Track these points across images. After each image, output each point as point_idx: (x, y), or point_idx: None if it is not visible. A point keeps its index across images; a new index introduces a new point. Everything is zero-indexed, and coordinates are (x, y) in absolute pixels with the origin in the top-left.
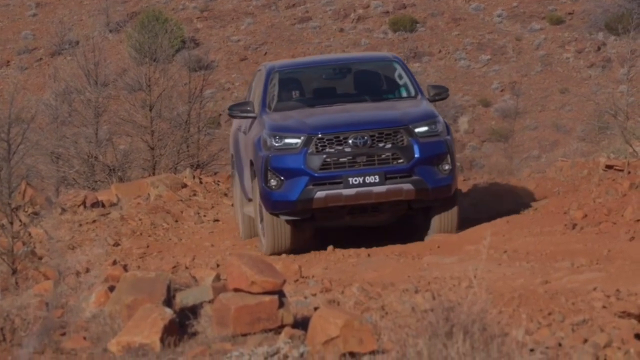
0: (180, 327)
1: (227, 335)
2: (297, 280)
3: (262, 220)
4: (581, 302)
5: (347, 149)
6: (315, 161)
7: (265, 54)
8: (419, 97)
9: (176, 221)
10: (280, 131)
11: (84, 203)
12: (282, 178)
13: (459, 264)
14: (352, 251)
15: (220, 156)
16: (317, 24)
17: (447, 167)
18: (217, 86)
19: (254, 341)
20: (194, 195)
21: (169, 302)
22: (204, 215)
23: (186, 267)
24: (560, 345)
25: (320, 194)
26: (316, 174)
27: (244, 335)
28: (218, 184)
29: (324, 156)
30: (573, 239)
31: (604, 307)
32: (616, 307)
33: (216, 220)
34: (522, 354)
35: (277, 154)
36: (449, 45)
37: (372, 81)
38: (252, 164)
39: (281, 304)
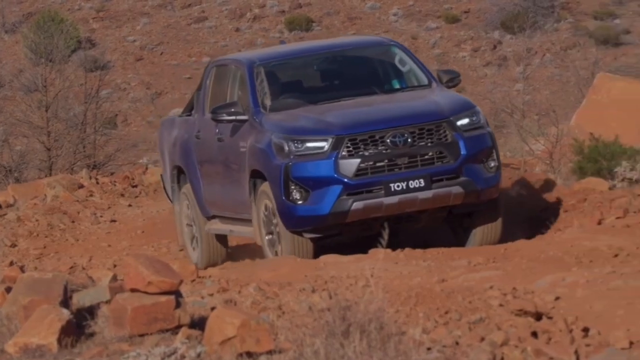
0: (77, 327)
1: (125, 336)
2: (194, 280)
3: (271, 242)
4: (478, 300)
5: (386, 150)
6: (349, 166)
7: (162, 54)
8: (434, 84)
9: (73, 222)
10: (300, 134)
11: None
12: (307, 189)
13: (356, 263)
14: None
15: (117, 156)
16: (213, 24)
17: (493, 164)
18: (113, 86)
19: (151, 341)
20: (91, 195)
21: (66, 302)
22: (101, 216)
23: (83, 268)
24: (457, 343)
25: (357, 205)
26: (352, 182)
27: (141, 335)
28: (115, 185)
29: (359, 160)
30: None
31: (500, 305)
32: (513, 305)
33: (113, 221)
34: (419, 352)
35: (300, 161)
36: None
37: (372, 70)
38: (253, 175)
39: (178, 304)
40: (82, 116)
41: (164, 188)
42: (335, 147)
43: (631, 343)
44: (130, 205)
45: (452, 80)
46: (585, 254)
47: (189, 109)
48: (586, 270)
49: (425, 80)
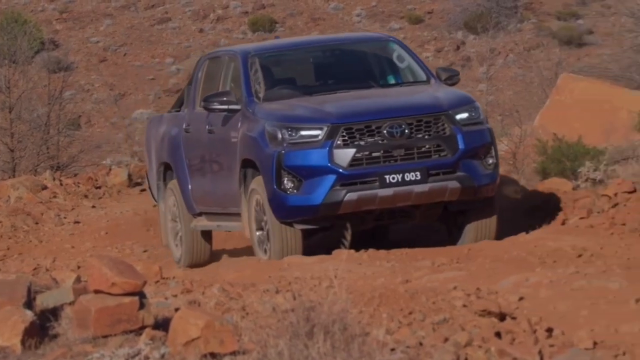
0: (41, 329)
1: (88, 337)
2: (157, 281)
3: (260, 235)
4: (442, 301)
5: (382, 141)
6: (344, 156)
7: (125, 55)
8: (432, 81)
9: (36, 223)
10: (294, 122)
11: None
12: (300, 178)
13: (319, 263)
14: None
15: (80, 158)
16: (176, 25)
17: (491, 161)
18: (76, 87)
19: (115, 343)
20: (54, 197)
21: (29, 304)
22: (65, 217)
23: (47, 269)
24: (421, 344)
25: (351, 195)
26: (346, 172)
27: (105, 336)
28: (78, 186)
29: (354, 150)
30: (433, 238)
31: (464, 305)
32: (477, 305)
33: (77, 222)
34: (382, 353)
35: (293, 150)
36: None
37: (370, 64)
38: (244, 165)
39: (142, 305)
40: (45, 117)
41: (149, 187)
42: (331, 136)
43: (595, 343)
44: (93, 207)
45: (451, 78)
46: (549, 254)
47: (178, 105)
48: (550, 271)
49: (423, 77)
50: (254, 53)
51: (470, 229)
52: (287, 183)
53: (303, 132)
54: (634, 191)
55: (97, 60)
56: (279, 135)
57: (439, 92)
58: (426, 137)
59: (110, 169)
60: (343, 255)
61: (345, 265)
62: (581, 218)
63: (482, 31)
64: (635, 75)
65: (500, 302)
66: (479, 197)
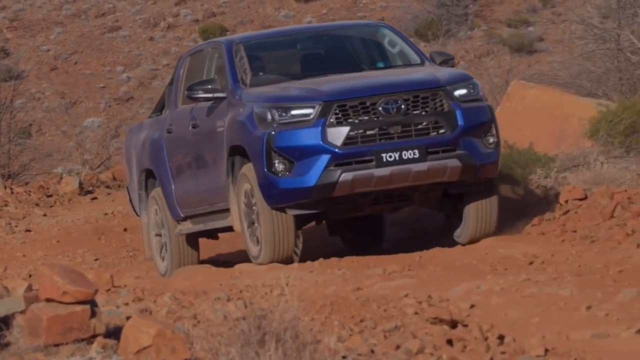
0: None
1: (40, 346)
2: (109, 289)
3: (251, 224)
4: (393, 308)
5: (377, 118)
6: (338, 135)
7: (76, 63)
8: (427, 63)
9: None
10: (284, 101)
11: None
12: (292, 160)
13: (271, 271)
14: None
15: (31, 166)
16: (127, 33)
17: (492, 139)
18: (27, 96)
19: (66, 351)
20: (5, 205)
21: None
22: (16, 226)
23: None
24: (372, 352)
25: (346, 176)
26: (340, 151)
27: (57, 345)
28: (29, 194)
29: (348, 128)
30: (384, 245)
31: (415, 313)
32: (428, 313)
33: (28, 231)
34: None
35: (284, 130)
36: None
37: (361, 49)
38: (232, 152)
39: (93, 314)
40: None
41: (130, 201)
42: (323, 114)
43: (546, 350)
44: (45, 215)
45: (446, 62)
46: (500, 262)
47: (159, 109)
48: (501, 278)
49: (417, 60)
50: (239, 41)
51: (470, 212)
52: (278, 165)
53: (294, 112)
54: (585, 198)
55: (47, 68)
56: (269, 116)
57: (436, 70)
58: (423, 113)
59: (61, 178)
60: (294, 262)
61: (297, 273)
62: (532, 225)
63: (432, 39)
64: (586, 82)
65: (452, 310)
66: (480, 178)
